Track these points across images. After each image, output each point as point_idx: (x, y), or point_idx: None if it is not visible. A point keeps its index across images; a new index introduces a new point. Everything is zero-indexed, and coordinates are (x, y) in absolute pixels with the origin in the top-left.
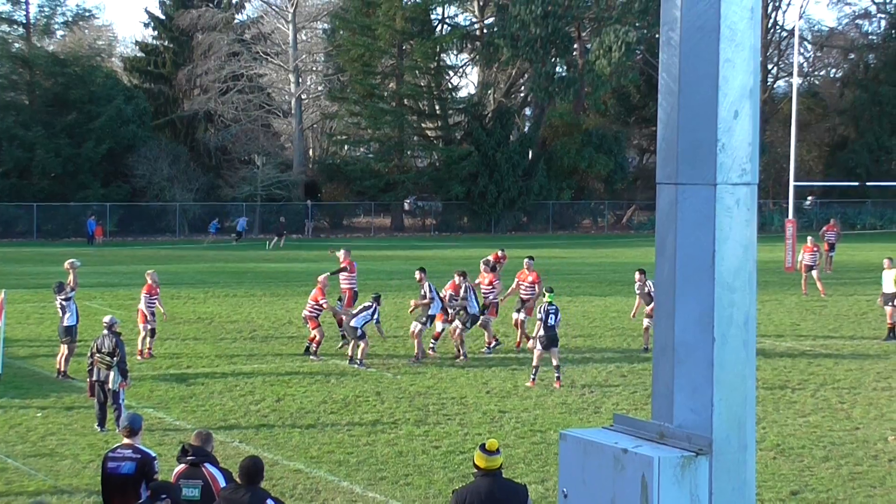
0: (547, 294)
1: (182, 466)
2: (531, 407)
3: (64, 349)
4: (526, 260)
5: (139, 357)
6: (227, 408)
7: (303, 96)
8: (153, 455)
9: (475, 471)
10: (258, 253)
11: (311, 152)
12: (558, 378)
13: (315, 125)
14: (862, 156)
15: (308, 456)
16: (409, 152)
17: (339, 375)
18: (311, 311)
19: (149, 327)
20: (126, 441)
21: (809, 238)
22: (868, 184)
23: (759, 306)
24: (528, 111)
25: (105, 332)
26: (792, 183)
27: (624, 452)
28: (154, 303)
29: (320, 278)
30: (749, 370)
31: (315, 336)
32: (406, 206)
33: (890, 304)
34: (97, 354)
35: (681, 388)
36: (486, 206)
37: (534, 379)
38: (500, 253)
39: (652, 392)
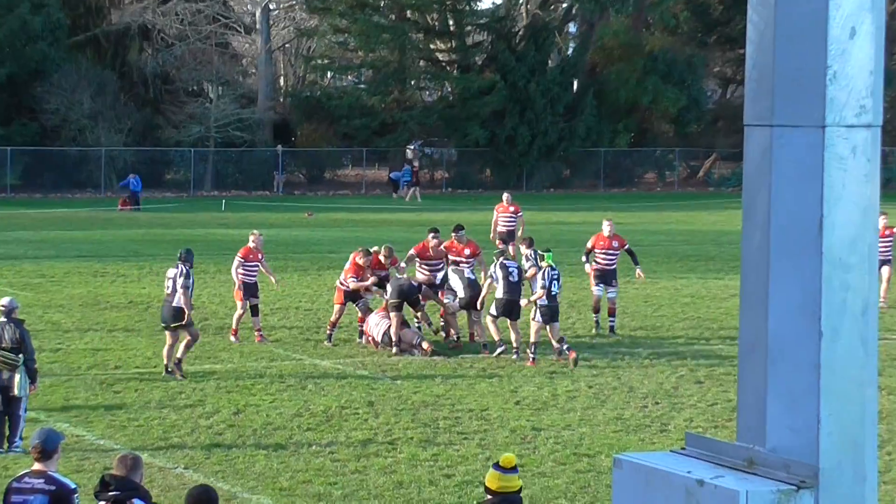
0: (546, 255)
1: None
2: (575, 423)
3: None
4: (453, 233)
5: (233, 337)
6: (168, 422)
7: (271, 6)
8: (72, 486)
9: (488, 497)
10: (212, 215)
11: (281, 81)
12: (561, 353)
13: (288, 45)
14: None
15: (277, 487)
16: (413, 82)
17: (318, 379)
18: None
19: (248, 304)
20: (37, 467)
21: None
22: None
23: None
24: (572, 28)
25: (3, 319)
26: None
27: (700, 485)
28: (254, 271)
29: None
30: (868, 375)
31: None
32: (409, 155)
33: None
34: None
35: (776, 398)
36: (516, 154)
37: (534, 358)
38: (381, 250)
39: (737, 404)
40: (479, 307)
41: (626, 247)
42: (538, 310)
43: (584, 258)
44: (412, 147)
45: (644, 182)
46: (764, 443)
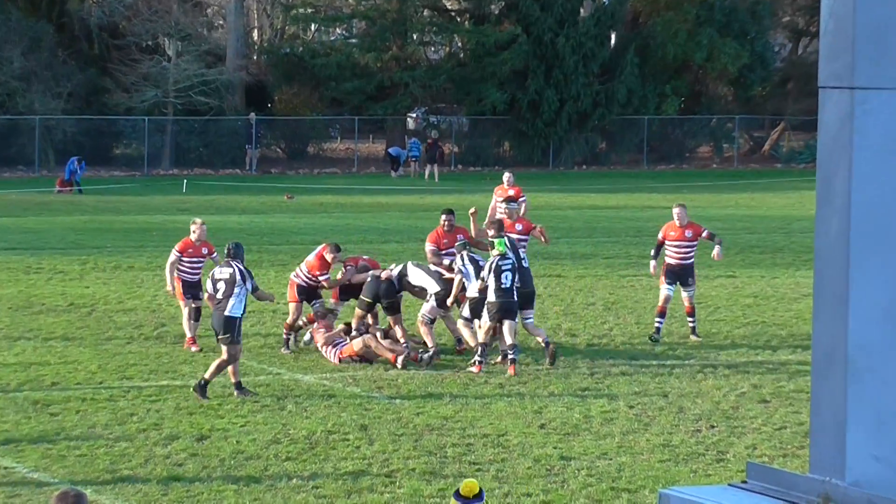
0: (496, 242)
1: None
2: (612, 451)
3: None
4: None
5: (192, 347)
6: (116, 451)
7: None
8: None
9: None
10: (171, 199)
11: (255, 35)
12: (513, 362)
13: None
14: None
15: None
16: (415, 36)
17: (300, 397)
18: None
19: (192, 305)
20: None
21: None
22: None
23: None
24: None
25: None
26: None
27: None
28: (197, 268)
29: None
30: None
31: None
32: (411, 124)
33: None
34: None
35: (858, 420)
36: (541, 124)
37: (481, 362)
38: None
39: (811, 427)
40: (449, 305)
41: (704, 234)
42: (486, 306)
43: (652, 252)
44: (414, 115)
45: (697, 157)
46: (843, 475)
